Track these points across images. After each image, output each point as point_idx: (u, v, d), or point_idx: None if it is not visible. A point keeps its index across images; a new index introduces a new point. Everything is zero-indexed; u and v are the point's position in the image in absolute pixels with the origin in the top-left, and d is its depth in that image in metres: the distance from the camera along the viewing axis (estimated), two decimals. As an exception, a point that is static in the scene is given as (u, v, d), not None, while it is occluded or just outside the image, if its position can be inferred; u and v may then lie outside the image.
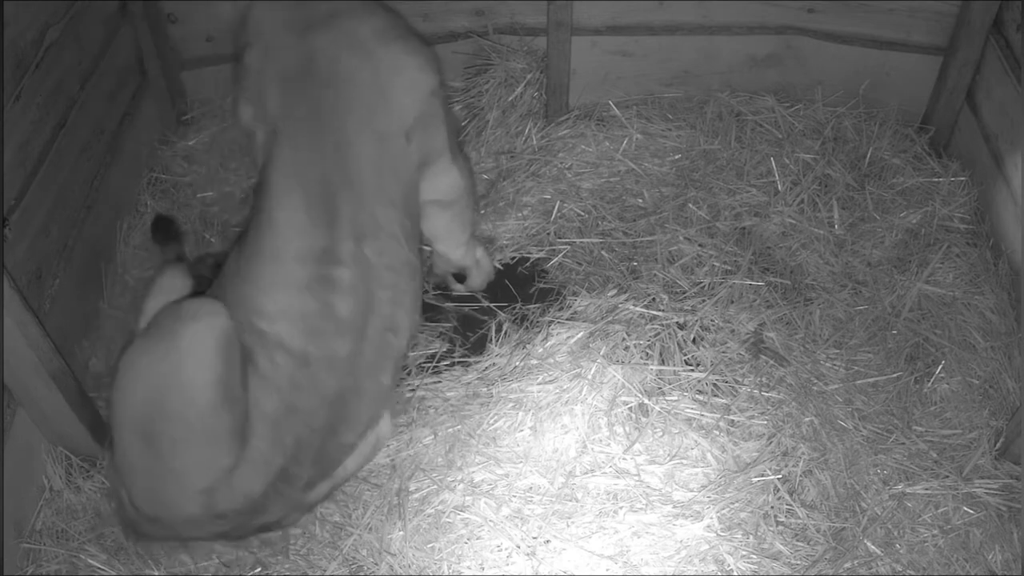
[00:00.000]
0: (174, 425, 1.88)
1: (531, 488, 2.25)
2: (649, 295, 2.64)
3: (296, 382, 1.93)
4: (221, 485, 1.91)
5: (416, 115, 2.15)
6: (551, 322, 2.57)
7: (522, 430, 2.35)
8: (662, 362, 2.49)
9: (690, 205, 2.90)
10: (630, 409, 2.38)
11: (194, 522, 1.96)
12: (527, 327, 2.61)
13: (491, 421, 2.36)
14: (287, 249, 1.96)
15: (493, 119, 3.18)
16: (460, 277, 2.72)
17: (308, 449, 1.97)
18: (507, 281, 2.77)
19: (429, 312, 2.65)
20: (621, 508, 2.19)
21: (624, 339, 2.52)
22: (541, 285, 2.75)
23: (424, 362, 2.54)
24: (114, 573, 2.08)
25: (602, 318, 2.57)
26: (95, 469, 2.26)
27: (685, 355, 2.51)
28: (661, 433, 2.34)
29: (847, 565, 2.08)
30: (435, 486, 2.24)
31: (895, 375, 2.45)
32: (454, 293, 2.73)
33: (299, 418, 1.94)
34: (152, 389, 1.89)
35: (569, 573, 2.10)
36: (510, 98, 3.21)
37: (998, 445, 2.29)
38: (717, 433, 2.34)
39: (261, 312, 1.94)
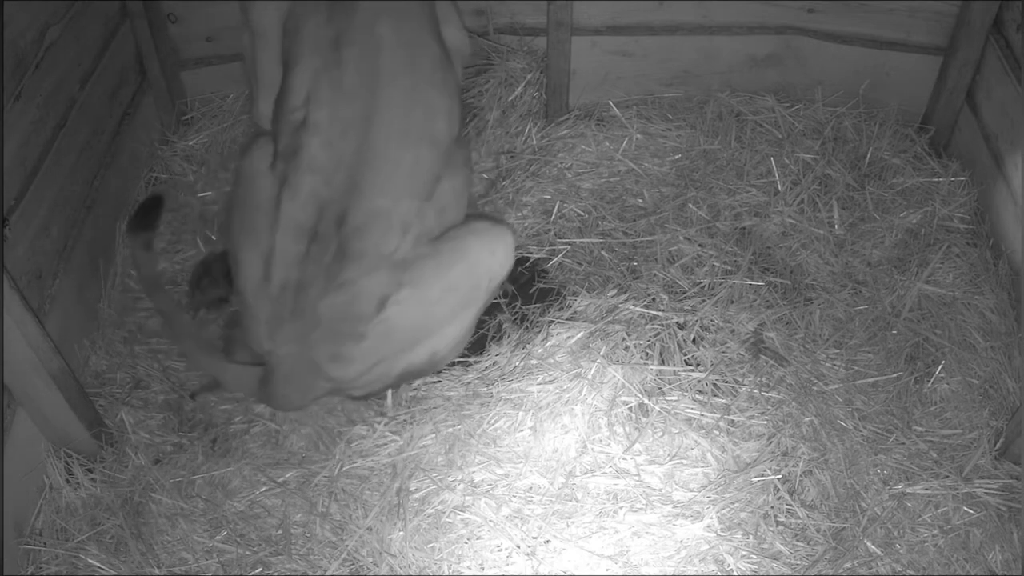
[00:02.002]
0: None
1: (531, 488, 2.25)
2: (649, 295, 2.64)
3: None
4: None
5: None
6: (551, 322, 2.58)
7: (522, 430, 2.35)
8: (662, 362, 2.49)
9: (690, 205, 2.90)
10: (630, 409, 2.38)
11: None
12: (527, 327, 2.61)
13: (491, 421, 2.36)
14: None
15: (493, 119, 3.18)
16: None
17: (331, 207, 2.05)
18: (507, 281, 2.77)
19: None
20: (621, 508, 2.19)
21: (624, 339, 2.52)
22: (541, 285, 2.75)
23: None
24: (114, 573, 2.08)
25: (602, 318, 2.57)
26: (97, 465, 2.27)
27: (685, 355, 2.51)
28: (661, 433, 2.34)
29: (847, 565, 2.08)
30: (435, 486, 2.24)
31: (895, 375, 2.45)
32: None
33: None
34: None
35: (569, 573, 2.10)
36: (510, 98, 3.22)
37: (998, 445, 2.29)
38: (717, 433, 2.34)
39: None
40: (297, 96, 2.12)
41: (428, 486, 2.24)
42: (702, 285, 2.68)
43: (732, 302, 2.63)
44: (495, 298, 2.66)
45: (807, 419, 2.34)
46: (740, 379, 2.45)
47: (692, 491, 2.23)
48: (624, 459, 2.29)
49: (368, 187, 2.06)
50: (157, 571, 2.09)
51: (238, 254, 2.19)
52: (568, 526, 2.17)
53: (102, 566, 2.09)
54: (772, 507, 2.19)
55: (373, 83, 2.08)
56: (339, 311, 2.09)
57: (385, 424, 2.37)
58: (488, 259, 2.23)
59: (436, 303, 2.17)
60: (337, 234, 2.07)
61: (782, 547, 2.12)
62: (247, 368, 2.23)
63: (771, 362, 2.49)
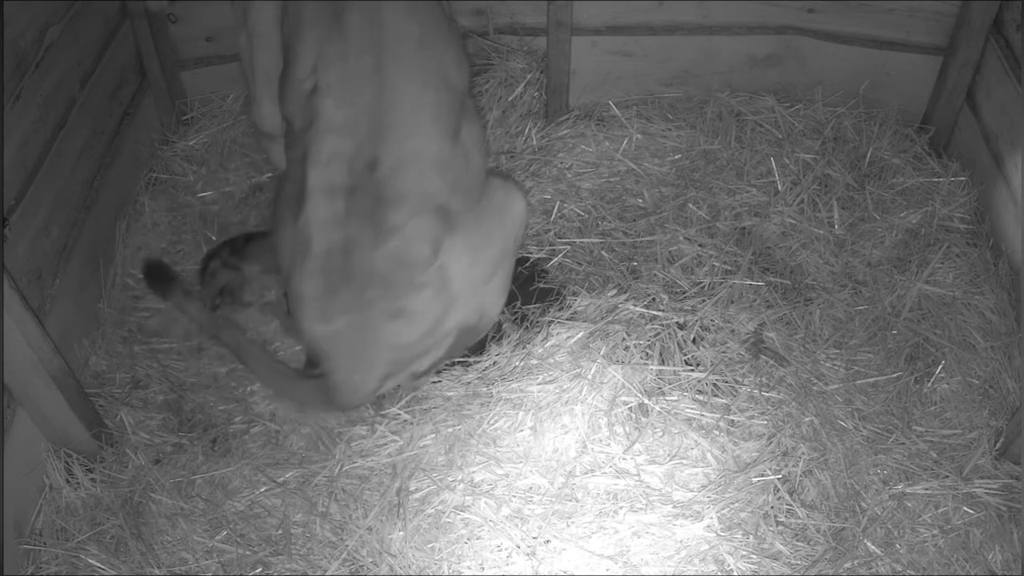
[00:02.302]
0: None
1: (531, 488, 2.25)
2: (649, 295, 2.64)
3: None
4: None
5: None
6: (551, 322, 2.58)
7: (522, 430, 2.35)
8: (662, 362, 2.49)
9: (690, 205, 2.90)
10: (630, 409, 2.38)
11: None
12: (527, 327, 2.61)
13: (491, 421, 2.36)
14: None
15: (493, 119, 3.18)
16: None
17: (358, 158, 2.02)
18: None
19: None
20: (621, 508, 2.19)
21: (624, 339, 2.52)
22: (541, 285, 2.75)
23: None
24: (114, 573, 2.08)
25: (602, 318, 2.57)
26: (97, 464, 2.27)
27: (685, 355, 2.51)
28: (661, 433, 2.34)
29: (847, 565, 2.08)
30: (435, 486, 2.24)
31: (895, 375, 2.45)
32: None
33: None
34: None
35: (569, 573, 2.10)
36: (510, 98, 3.22)
37: (998, 445, 2.29)
38: (717, 433, 2.34)
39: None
40: (304, 67, 2.07)
41: (428, 486, 2.24)
42: (702, 285, 2.68)
43: (732, 302, 2.63)
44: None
45: (807, 419, 2.34)
46: (740, 379, 2.45)
47: (692, 491, 2.23)
48: (624, 459, 2.29)
49: (395, 129, 2.01)
50: (157, 571, 2.09)
51: (277, 239, 2.15)
52: (568, 526, 2.17)
53: (102, 566, 2.09)
54: (772, 507, 2.19)
55: (379, 38, 2.03)
56: (394, 259, 2.02)
57: (385, 424, 2.37)
58: (515, 209, 2.24)
59: (482, 250, 2.15)
60: (373, 181, 2.00)
61: (782, 547, 2.12)
62: (317, 381, 2.20)
63: (771, 362, 2.49)
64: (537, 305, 2.67)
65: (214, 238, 2.85)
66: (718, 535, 2.13)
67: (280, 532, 2.16)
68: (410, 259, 2.04)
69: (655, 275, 2.69)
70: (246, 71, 2.44)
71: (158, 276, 2.48)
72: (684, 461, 2.29)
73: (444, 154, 2.06)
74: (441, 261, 2.06)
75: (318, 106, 2.04)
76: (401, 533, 2.15)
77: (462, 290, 2.14)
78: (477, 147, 2.19)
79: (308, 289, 2.08)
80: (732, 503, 2.19)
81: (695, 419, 2.36)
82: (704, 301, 2.62)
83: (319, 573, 2.09)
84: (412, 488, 2.23)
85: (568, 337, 2.52)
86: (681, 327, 2.57)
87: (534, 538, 2.15)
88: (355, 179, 2.01)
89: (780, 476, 2.24)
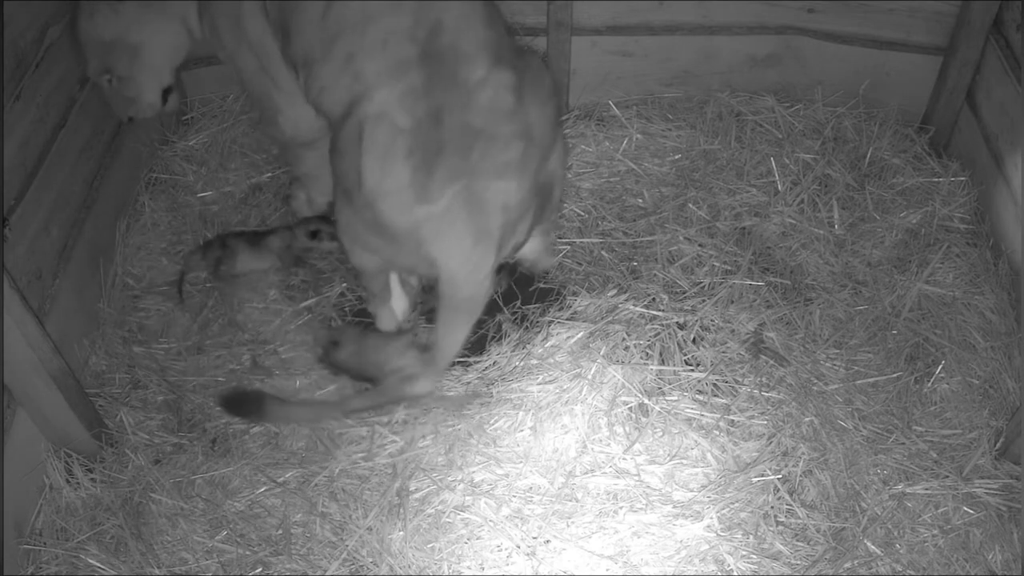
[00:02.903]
0: None
1: (531, 488, 2.25)
2: (649, 295, 2.64)
3: None
4: None
5: None
6: (551, 322, 2.58)
7: (522, 430, 2.35)
8: (662, 362, 2.49)
9: (690, 205, 2.90)
10: (630, 409, 2.38)
11: None
12: (527, 327, 2.61)
13: (491, 421, 2.36)
14: None
15: (493, 119, 3.18)
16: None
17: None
18: (506, 280, 2.77)
19: (428, 313, 2.64)
20: (621, 508, 2.19)
21: (624, 339, 2.52)
22: (541, 285, 2.75)
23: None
24: (114, 573, 2.08)
25: (602, 318, 2.57)
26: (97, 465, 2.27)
27: (685, 355, 2.51)
28: (661, 433, 2.34)
29: (847, 565, 2.09)
30: (435, 486, 2.24)
31: (895, 375, 2.45)
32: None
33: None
34: None
35: (569, 573, 2.10)
36: (510, 98, 3.21)
37: (998, 445, 2.29)
38: (717, 433, 2.34)
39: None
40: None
41: (428, 486, 2.24)
42: (702, 285, 2.68)
43: (732, 302, 2.63)
44: (495, 295, 2.66)
45: (807, 419, 2.34)
46: (740, 379, 2.45)
47: (692, 491, 2.23)
48: (624, 459, 2.29)
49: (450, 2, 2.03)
50: (157, 571, 2.09)
51: (341, 166, 2.09)
52: (568, 526, 2.17)
53: (102, 566, 2.09)
54: (772, 507, 2.19)
55: None
56: (489, 112, 2.01)
57: (385, 424, 2.37)
58: (546, 80, 2.23)
59: (546, 103, 2.15)
60: (442, 43, 1.99)
61: (782, 547, 2.12)
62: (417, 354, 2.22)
63: (771, 362, 2.49)
64: (537, 305, 2.67)
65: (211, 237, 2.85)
66: (718, 535, 2.13)
67: (280, 532, 2.16)
68: (502, 110, 2.02)
69: (655, 275, 2.69)
70: (256, 89, 2.43)
71: (242, 403, 2.33)
72: (684, 461, 2.29)
73: (488, 7, 2.08)
74: (526, 108, 2.05)
75: (351, 7, 2.03)
76: (401, 533, 2.15)
77: (543, 138, 2.13)
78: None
79: (397, 177, 2.00)
80: (732, 503, 2.19)
81: (695, 419, 2.36)
82: (704, 301, 2.62)
83: (319, 573, 2.09)
84: (412, 488, 2.23)
85: (568, 337, 2.52)
86: (681, 327, 2.56)
87: (534, 538, 2.14)
88: (422, 47, 1.99)
89: (780, 476, 2.24)
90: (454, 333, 2.22)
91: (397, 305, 2.54)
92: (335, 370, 2.47)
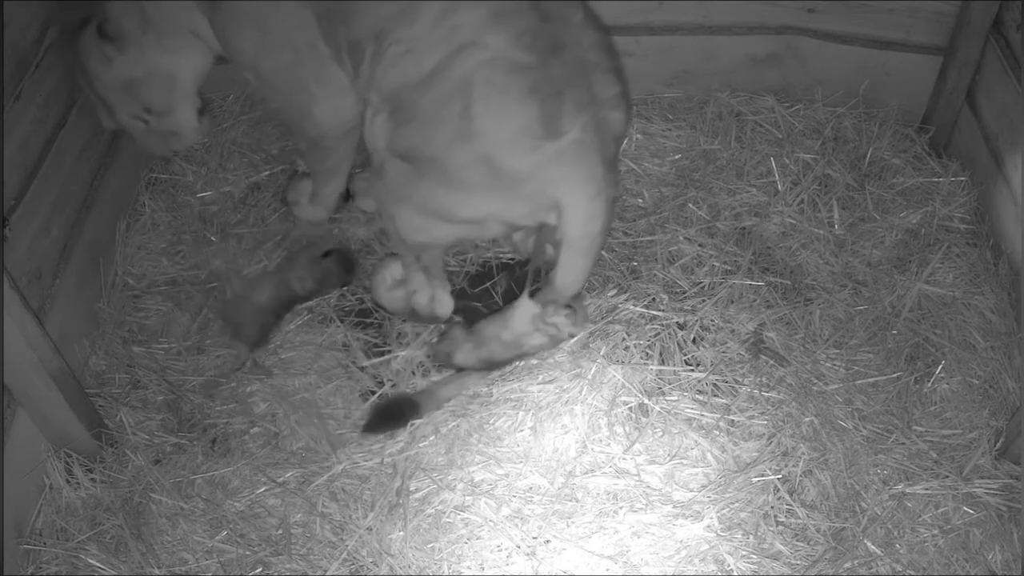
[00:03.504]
0: None
1: (531, 488, 2.25)
2: (649, 295, 2.64)
3: None
4: None
5: None
6: (551, 322, 2.58)
7: (522, 430, 2.35)
8: (662, 362, 2.49)
9: (690, 205, 2.90)
10: (630, 409, 2.38)
11: None
12: (527, 327, 2.60)
13: (491, 421, 2.37)
14: None
15: (493, 119, 3.18)
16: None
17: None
18: (509, 281, 2.77)
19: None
20: (621, 508, 2.19)
21: (624, 339, 2.52)
22: (541, 285, 2.74)
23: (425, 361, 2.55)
24: (114, 573, 2.08)
25: (602, 318, 2.57)
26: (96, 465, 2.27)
27: (685, 355, 2.51)
28: (661, 433, 2.34)
29: (847, 565, 2.09)
30: (435, 486, 2.24)
31: (895, 375, 2.45)
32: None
33: None
34: None
35: (569, 573, 2.10)
36: (510, 98, 3.21)
37: (998, 445, 2.29)
38: (717, 433, 2.34)
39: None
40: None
41: (428, 486, 2.24)
42: (702, 285, 2.68)
43: (732, 302, 2.63)
44: (495, 295, 2.66)
45: (807, 419, 2.34)
46: (740, 379, 2.45)
47: (692, 491, 2.23)
48: (624, 459, 2.29)
49: None
50: (157, 571, 2.09)
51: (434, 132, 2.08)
52: (568, 526, 2.17)
53: (102, 566, 2.09)
54: (772, 507, 2.19)
55: None
56: (596, 46, 2.11)
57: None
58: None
59: None
60: None
61: (782, 547, 2.12)
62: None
63: (771, 362, 2.49)
64: (537, 305, 2.67)
65: (213, 238, 2.85)
66: (718, 535, 2.13)
67: (280, 532, 2.16)
68: (605, 46, 2.13)
69: (655, 275, 2.69)
70: (287, 86, 2.38)
71: (388, 415, 2.37)
72: (684, 461, 2.29)
73: None
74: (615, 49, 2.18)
75: None
76: (401, 533, 2.15)
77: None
78: None
79: (523, 115, 2.01)
80: (732, 503, 2.19)
81: (695, 419, 2.36)
82: (704, 301, 2.62)
83: (319, 573, 2.09)
84: (412, 488, 2.23)
85: (568, 337, 2.52)
86: (681, 327, 2.57)
87: (534, 538, 2.15)
88: None
89: (780, 476, 2.24)
90: (583, 273, 2.27)
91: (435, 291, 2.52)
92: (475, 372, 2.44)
